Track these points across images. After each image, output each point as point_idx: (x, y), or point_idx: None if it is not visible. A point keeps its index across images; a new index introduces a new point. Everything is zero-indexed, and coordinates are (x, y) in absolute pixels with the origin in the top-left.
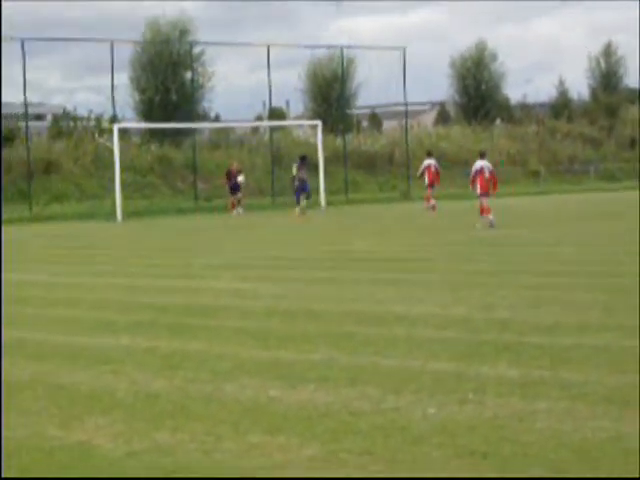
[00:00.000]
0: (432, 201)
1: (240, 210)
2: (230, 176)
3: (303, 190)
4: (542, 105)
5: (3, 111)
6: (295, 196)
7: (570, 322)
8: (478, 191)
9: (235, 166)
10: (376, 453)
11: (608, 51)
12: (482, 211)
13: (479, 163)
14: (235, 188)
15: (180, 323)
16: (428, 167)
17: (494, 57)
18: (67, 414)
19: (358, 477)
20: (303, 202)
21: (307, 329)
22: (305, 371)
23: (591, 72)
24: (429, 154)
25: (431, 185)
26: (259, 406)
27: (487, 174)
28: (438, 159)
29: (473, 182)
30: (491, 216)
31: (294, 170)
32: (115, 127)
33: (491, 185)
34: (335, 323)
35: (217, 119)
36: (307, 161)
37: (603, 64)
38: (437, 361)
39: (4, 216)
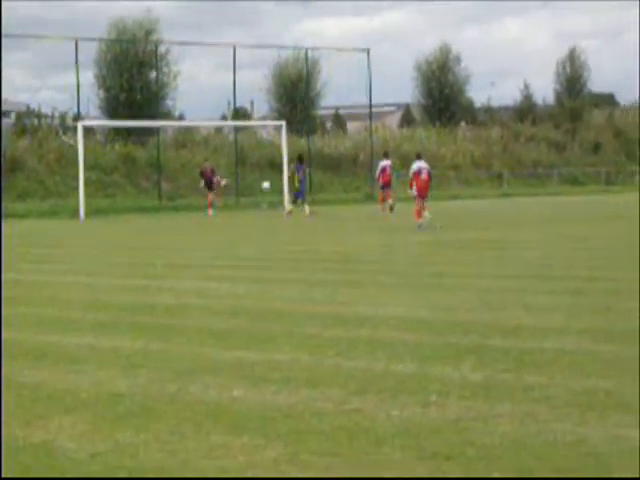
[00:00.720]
0: (390, 201)
1: (211, 212)
2: (204, 174)
3: (299, 192)
4: (506, 108)
5: None
6: (294, 195)
7: (533, 325)
8: (415, 192)
9: (207, 164)
10: (339, 454)
11: (572, 56)
12: (419, 213)
13: (416, 164)
14: (210, 186)
15: (143, 322)
16: (384, 168)
17: (458, 60)
18: (30, 414)
19: (322, 477)
20: (290, 205)
21: (270, 329)
22: (268, 371)
23: (557, 76)
24: (386, 155)
25: (386, 186)
26: (222, 406)
27: (424, 175)
28: (402, 161)
29: (412, 184)
30: (422, 220)
31: (289, 172)
32: (79, 125)
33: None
34: (298, 324)
35: (181, 118)
36: (304, 160)
37: (568, 69)
38: (400, 363)
39: None
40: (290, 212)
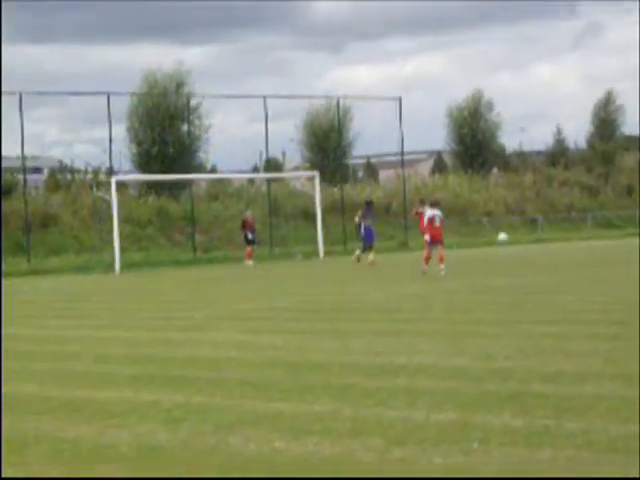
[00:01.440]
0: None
1: (251, 263)
2: (246, 225)
3: (369, 239)
4: (538, 153)
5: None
6: (364, 243)
7: (571, 371)
8: (428, 240)
9: (250, 214)
10: None
11: (608, 99)
12: (427, 260)
13: (430, 212)
14: (252, 239)
15: (182, 376)
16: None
17: (490, 107)
18: (72, 468)
19: None
20: (361, 252)
21: (309, 380)
22: (308, 423)
23: (594, 118)
24: (423, 202)
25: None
26: (264, 458)
27: (437, 223)
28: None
29: (426, 230)
30: (443, 265)
31: (357, 219)
32: (112, 180)
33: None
34: (337, 374)
35: (214, 170)
36: (373, 207)
37: (602, 112)
38: (440, 411)
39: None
40: (358, 259)
